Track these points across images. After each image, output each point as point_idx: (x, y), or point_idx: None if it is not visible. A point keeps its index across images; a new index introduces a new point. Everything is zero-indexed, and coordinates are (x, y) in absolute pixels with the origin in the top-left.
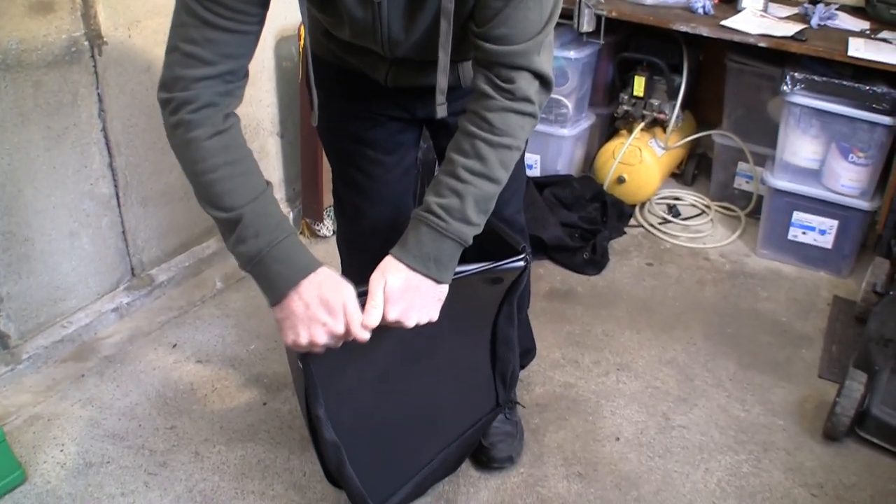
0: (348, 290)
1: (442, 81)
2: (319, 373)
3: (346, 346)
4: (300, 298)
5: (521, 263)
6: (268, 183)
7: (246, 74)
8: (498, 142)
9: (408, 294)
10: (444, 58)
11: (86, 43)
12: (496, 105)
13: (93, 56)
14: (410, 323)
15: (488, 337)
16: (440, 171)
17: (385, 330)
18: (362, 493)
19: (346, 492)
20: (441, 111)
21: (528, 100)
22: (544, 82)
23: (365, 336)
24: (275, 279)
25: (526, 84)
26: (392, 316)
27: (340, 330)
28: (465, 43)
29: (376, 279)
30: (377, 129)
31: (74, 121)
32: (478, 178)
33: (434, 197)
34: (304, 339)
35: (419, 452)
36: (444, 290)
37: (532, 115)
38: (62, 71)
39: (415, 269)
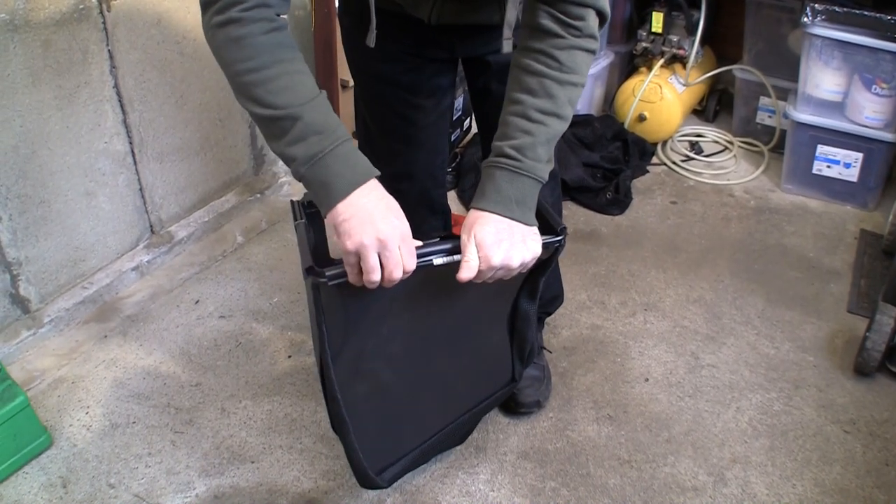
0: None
1: (511, 15)
2: (333, 335)
3: (364, 310)
4: (367, 196)
5: (556, 241)
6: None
7: None
8: (566, 79)
9: (502, 238)
10: None
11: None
12: (564, 43)
13: (101, 12)
14: (516, 263)
15: (508, 311)
16: (506, 113)
17: (406, 299)
18: (361, 462)
19: (349, 459)
20: (507, 46)
21: (593, 36)
22: (604, 19)
23: (411, 267)
24: (335, 179)
25: (592, 21)
26: (497, 260)
27: (399, 234)
28: None
29: (464, 236)
30: (415, 72)
31: (86, 79)
32: (548, 116)
33: (504, 141)
34: (369, 239)
35: (427, 423)
36: (534, 230)
37: (594, 52)
38: (71, 29)
39: (501, 215)
